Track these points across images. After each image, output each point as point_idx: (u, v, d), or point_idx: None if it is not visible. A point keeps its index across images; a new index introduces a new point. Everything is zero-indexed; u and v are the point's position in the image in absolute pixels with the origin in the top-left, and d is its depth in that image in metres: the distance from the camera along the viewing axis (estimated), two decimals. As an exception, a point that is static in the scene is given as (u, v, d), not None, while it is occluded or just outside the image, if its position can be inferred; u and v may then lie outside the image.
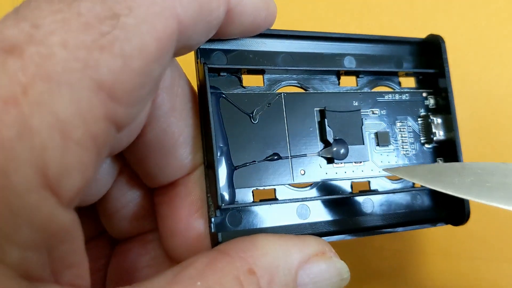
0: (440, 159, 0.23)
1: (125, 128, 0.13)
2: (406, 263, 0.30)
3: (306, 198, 0.20)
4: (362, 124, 0.22)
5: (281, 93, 0.21)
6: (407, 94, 0.24)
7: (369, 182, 0.22)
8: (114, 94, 0.12)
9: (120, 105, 0.13)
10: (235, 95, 0.20)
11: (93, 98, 0.12)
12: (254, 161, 0.19)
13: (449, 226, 0.23)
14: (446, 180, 0.18)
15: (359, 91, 0.23)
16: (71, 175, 0.12)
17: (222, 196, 0.19)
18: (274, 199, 0.20)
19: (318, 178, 0.21)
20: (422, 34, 0.25)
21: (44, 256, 0.12)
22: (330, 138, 0.21)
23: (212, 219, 0.18)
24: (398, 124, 0.23)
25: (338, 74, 0.22)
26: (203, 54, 0.20)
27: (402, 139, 0.23)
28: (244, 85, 0.20)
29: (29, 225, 0.11)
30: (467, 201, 0.22)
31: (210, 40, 0.19)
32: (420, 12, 0.34)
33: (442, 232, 0.30)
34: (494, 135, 0.31)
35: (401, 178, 0.23)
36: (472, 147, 0.31)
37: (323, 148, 0.21)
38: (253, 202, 0.19)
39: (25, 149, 0.11)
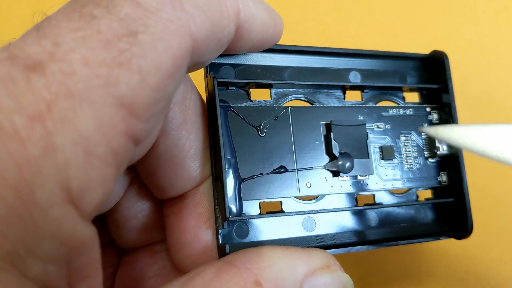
0: (443, 173, 0.24)
1: (142, 142, 0.14)
2: (406, 263, 0.30)
3: (312, 210, 0.20)
4: (367, 138, 0.22)
5: (288, 106, 0.21)
6: (411, 109, 0.24)
7: (373, 195, 0.22)
8: (133, 109, 0.12)
9: (138, 120, 0.13)
10: (243, 108, 0.20)
11: (114, 114, 0.12)
12: (261, 174, 0.20)
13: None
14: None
15: (364, 105, 0.23)
16: (92, 190, 0.12)
17: (230, 208, 0.19)
18: (281, 212, 0.20)
19: (323, 191, 0.21)
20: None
21: (62, 269, 0.12)
22: (336, 151, 0.21)
23: (220, 231, 0.18)
24: (403, 138, 0.23)
25: (344, 89, 0.23)
26: (212, 68, 0.20)
27: (406, 153, 0.23)
28: (252, 98, 0.21)
29: (51, 239, 0.11)
30: (470, 214, 0.22)
31: (220, 55, 0.19)
32: (421, 15, 0.35)
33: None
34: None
35: (405, 192, 0.23)
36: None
37: (329, 162, 0.21)
38: (260, 214, 0.19)
39: (50, 165, 0.11)
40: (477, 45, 0.34)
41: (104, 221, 0.21)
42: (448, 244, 0.30)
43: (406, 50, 0.25)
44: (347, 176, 0.21)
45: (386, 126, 0.23)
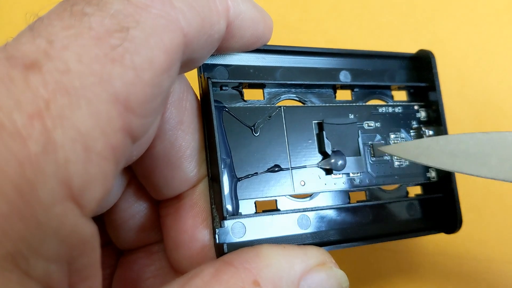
0: (432, 170, 0.24)
1: (139, 139, 0.14)
2: (406, 263, 0.30)
3: (307, 208, 0.21)
4: (359, 136, 0.23)
5: (280, 106, 0.21)
6: (399, 107, 0.25)
7: (365, 192, 0.23)
8: (129, 105, 0.13)
9: (135, 116, 0.13)
10: (237, 108, 0.20)
11: (110, 111, 0.12)
12: (256, 173, 0.20)
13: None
14: (431, 154, 0.20)
15: (354, 104, 0.23)
16: (93, 186, 0.12)
17: (227, 208, 0.19)
18: (276, 210, 0.20)
19: (317, 189, 0.21)
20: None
21: (64, 269, 0.12)
22: (328, 150, 0.21)
23: (217, 230, 0.18)
24: (392, 136, 0.24)
25: (334, 88, 0.23)
26: (205, 69, 0.20)
27: (396, 151, 0.24)
28: (245, 98, 0.21)
29: (54, 238, 0.11)
30: (459, 208, 0.23)
31: (212, 55, 0.19)
32: (421, 15, 0.35)
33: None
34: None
35: (396, 188, 0.24)
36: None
37: (322, 160, 0.22)
38: (256, 213, 0.20)
39: (50, 163, 0.11)
40: (477, 45, 0.34)
41: (102, 222, 0.21)
42: (441, 242, 0.30)
43: (406, 51, 0.25)
44: (340, 174, 0.22)
45: (376, 124, 0.24)
